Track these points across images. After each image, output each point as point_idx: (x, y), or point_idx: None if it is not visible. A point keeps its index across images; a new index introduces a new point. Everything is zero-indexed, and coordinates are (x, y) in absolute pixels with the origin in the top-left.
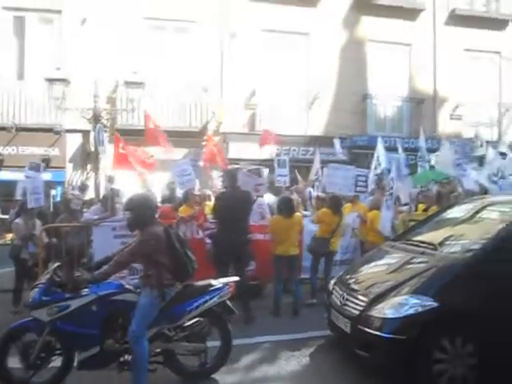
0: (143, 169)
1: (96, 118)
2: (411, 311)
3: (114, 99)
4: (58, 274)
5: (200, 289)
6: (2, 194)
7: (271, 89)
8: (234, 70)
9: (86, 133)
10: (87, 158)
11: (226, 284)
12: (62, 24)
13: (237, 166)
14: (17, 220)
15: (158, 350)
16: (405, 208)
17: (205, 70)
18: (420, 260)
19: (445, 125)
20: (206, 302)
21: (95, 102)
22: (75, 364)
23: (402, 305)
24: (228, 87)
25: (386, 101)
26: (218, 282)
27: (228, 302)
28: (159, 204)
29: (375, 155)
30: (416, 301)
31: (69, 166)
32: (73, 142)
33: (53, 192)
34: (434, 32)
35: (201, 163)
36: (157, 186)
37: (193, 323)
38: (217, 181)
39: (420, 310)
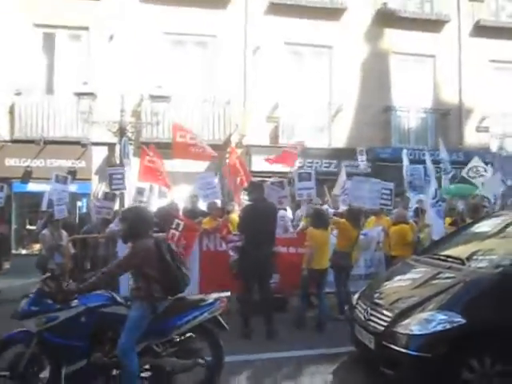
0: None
1: (122, 132)
2: (439, 328)
3: (139, 113)
4: (49, 284)
5: (191, 303)
6: (30, 206)
7: (294, 101)
8: (257, 82)
9: (111, 146)
10: (107, 172)
11: (217, 299)
12: (90, 40)
13: (261, 179)
14: (44, 231)
15: (147, 366)
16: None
17: (228, 83)
18: (447, 275)
19: (471, 137)
20: (196, 317)
21: (121, 116)
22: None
23: (428, 321)
24: (251, 100)
25: (410, 113)
26: (209, 297)
27: (220, 318)
28: (181, 216)
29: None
30: (443, 317)
31: (94, 178)
32: (99, 155)
33: (79, 203)
34: (459, 43)
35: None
36: (180, 198)
37: (183, 339)
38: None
39: (448, 326)
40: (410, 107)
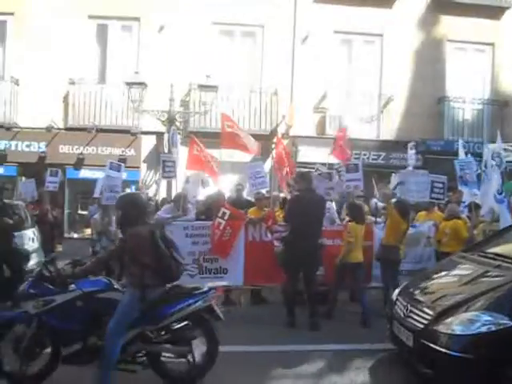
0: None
1: (171, 121)
2: (483, 329)
3: (187, 102)
4: (50, 268)
5: (185, 292)
6: (82, 192)
7: (342, 92)
8: (305, 72)
9: (159, 135)
10: (160, 158)
11: (212, 288)
12: (141, 31)
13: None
14: (95, 216)
15: (142, 352)
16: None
17: (275, 74)
18: (495, 274)
19: None
20: (190, 305)
21: (170, 106)
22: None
23: (472, 321)
24: (299, 90)
25: (466, 104)
26: (204, 286)
27: (215, 307)
28: (227, 205)
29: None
30: (489, 318)
31: (143, 166)
32: (148, 144)
33: (128, 191)
34: None
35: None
36: (225, 187)
37: (179, 326)
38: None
39: (493, 328)
40: (466, 98)
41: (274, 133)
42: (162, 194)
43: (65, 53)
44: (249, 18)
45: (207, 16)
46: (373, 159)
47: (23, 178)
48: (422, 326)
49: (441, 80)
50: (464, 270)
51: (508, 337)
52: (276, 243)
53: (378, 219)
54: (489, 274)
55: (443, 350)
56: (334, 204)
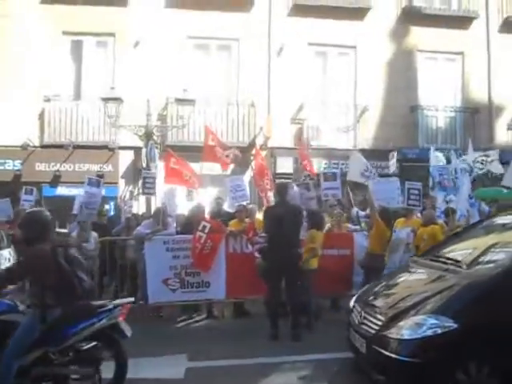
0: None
1: (148, 135)
2: (429, 332)
3: (164, 116)
4: None
5: (88, 310)
6: (59, 209)
7: (319, 103)
8: (282, 84)
9: (137, 149)
10: (139, 174)
11: (117, 305)
12: (116, 46)
13: (285, 181)
14: (73, 233)
15: (48, 375)
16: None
17: (252, 86)
18: (443, 277)
19: (502, 135)
20: (94, 324)
21: (147, 120)
22: None
23: (419, 325)
24: (275, 102)
25: (438, 112)
26: (109, 304)
27: (121, 325)
28: (207, 218)
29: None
30: (435, 321)
31: (121, 182)
32: (125, 159)
33: (106, 207)
34: (488, 40)
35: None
36: (206, 200)
37: (86, 346)
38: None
39: (439, 331)
40: (438, 106)
41: (252, 145)
42: (142, 210)
43: (39, 69)
44: (224, 31)
45: (182, 30)
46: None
47: None
48: (373, 332)
49: (413, 89)
50: (415, 274)
51: (453, 339)
52: (257, 254)
53: (358, 227)
54: (438, 277)
55: (393, 356)
56: None
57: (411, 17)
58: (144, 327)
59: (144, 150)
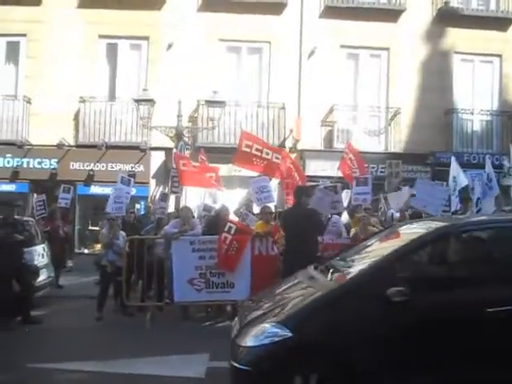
0: (207, 186)
1: (179, 136)
2: (266, 341)
3: (195, 118)
4: None
5: None
6: (92, 208)
7: (350, 105)
8: (312, 86)
9: (168, 150)
10: (169, 174)
11: None
12: (150, 49)
13: (313, 184)
14: (103, 230)
15: None
16: None
17: (283, 88)
18: (303, 286)
19: None
20: None
21: (178, 121)
22: None
23: (260, 333)
24: (306, 104)
25: (474, 115)
26: None
27: None
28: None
29: (450, 175)
30: (274, 330)
31: (152, 182)
32: (156, 159)
33: (137, 206)
34: None
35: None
36: (235, 202)
37: None
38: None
39: (275, 340)
40: (474, 109)
41: (281, 147)
42: (171, 209)
43: (76, 71)
44: (255, 34)
45: (214, 33)
46: (381, 172)
47: (35, 195)
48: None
49: (448, 92)
50: (290, 281)
51: (287, 349)
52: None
53: None
54: (299, 285)
55: (235, 364)
56: (342, 217)
57: (447, 18)
58: (170, 326)
59: (174, 151)
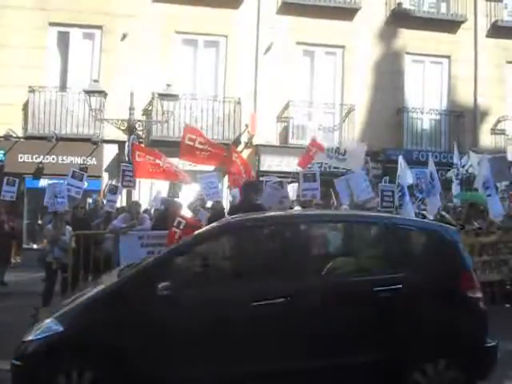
0: (164, 178)
1: (131, 129)
2: (40, 335)
3: (149, 111)
4: None
5: None
6: (42, 202)
7: (305, 101)
8: (268, 82)
9: (121, 143)
10: (120, 168)
11: None
12: (103, 39)
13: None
14: (48, 225)
15: None
16: None
17: (239, 83)
18: (98, 283)
19: (486, 139)
20: None
21: (130, 114)
22: None
23: (39, 328)
24: (262, 99)
25: (424, 114)
26: None
27: None
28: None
29: (398, 173)
30: (50, 325)
31: (105, 175)
32: (109, 153)
33: (89, 200)
34: (475, 44)
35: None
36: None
37: None
38: None
39: (47, 334)
40: (424, 109)
41: (237, 142)
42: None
43: (24, 60)
44: (212, 27)
45: (170, 25)
46: (334, 168)
47: None
48: None
49: (400, 91)
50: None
51: (55, 344)
52: None
53: None
54: (97, 283)
55: (12, 360)
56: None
57: (400, 19)
58: None
59: (127, 144)
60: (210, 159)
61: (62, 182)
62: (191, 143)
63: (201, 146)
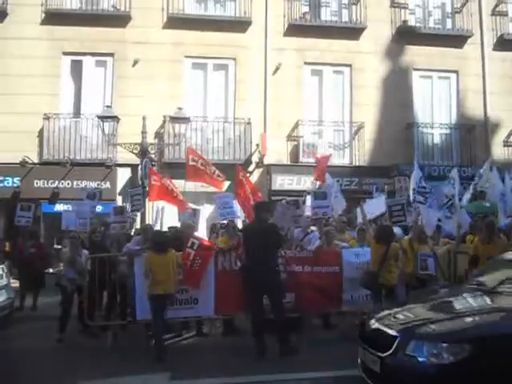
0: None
1: (143, 153)
2: None
3: (161, 134)
4: None
5: None
6: (58, 226)
7: (315, 120)
8: (278, 102)
9: (134, 167)
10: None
11: None
12: (115, 65)
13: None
14: (64, 249)
15: None
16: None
17: (249, 104)
18: None
19: (498, 152)
20: None
21: (143, 138)
22: None
23: None
24: (271, 119)
25: (433, 129)
26: None
27: None
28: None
29: (411, 186)
30: None
31: (119, 199)
32: (123, 176)
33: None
34: (483, 57)
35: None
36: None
37: None
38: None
39: None
40: (434, 123)
41: (248, 162)
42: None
43: (40, 88)
44: (221, 50)
45: (180, 50)
46: (346, 185)
47: None
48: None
49: (409, 107)
50: None
51: None
52: None
53: (346, 244)
54: None
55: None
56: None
57: (406, 36)
58: (132, 345)
59: (139, 167)
60: (213, 183)
61: (84, 203)
62: (194, 163)
63: (203, 168)
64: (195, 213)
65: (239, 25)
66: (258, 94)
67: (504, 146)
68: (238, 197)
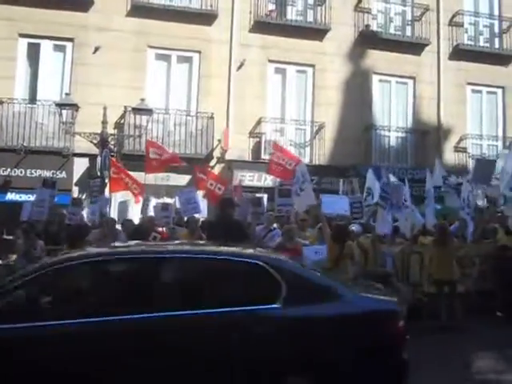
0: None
1: (103, 143)
2: None
3: (121, 125)
4: None
5: None
6: (8, 215)
7: (277, 118)
8: (241, 98)
9: (92, 157)
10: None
11: None
12: (75, 51)
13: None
14: (18, 240)
15: None
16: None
17: (212, 99)
18: None
19: (449, 157)
20: None
21: (103, 128)
22: None
23: None
24: (234, 115)
25: (390, 132)
26: None
27: None
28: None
29: (366, 186)
30: None
31: (75, 190)
32: (80, 166)
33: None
34: (438, 66)
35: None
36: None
37: None
38: None
39: None
40: (391, 126)
41: (209, 157)
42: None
43: None
44: (185, 43)
45: (144, 39)
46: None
47: None
48: None
49: (368, 109)
50: None
51: None
52: None
53: (307, 241)
54: None
55: None
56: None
57: (368, 40)
58: None
59: (99, 159)
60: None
61: (48, 194)
62: (156, 156)
63: (165, 158)
64: (168, 207)
65: (205, 17)
66: (222, 88)
67: (454, 151)
68: (202, 191)
